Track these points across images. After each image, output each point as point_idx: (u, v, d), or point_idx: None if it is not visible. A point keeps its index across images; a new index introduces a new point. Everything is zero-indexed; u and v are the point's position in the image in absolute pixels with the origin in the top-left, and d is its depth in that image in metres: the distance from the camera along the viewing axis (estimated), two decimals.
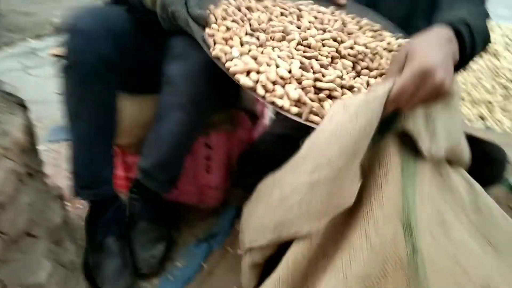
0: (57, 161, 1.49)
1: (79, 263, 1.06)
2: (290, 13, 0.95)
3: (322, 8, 1.01)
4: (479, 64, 2.57)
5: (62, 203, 1.13)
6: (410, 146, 0.69)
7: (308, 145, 0.67)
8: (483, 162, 0.98)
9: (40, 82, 2.16)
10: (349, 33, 0.91)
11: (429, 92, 0.59)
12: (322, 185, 0.64)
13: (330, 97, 0.75)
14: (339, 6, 1.03)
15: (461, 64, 0.71)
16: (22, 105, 0.98)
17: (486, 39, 0.81)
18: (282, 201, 0.70)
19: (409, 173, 0.66)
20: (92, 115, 0.98)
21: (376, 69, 0.83)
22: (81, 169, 1.03)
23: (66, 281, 0.95)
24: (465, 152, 0.79)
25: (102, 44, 0.93)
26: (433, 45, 0.62)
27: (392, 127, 0.67)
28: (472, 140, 0.96)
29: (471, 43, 0.72)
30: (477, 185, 0.79)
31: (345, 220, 0.67)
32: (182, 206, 1.29)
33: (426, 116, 0.69)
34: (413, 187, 0.65)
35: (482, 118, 2.10)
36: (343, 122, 0.62)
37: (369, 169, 0.67)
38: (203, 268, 1.09)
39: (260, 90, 0.72)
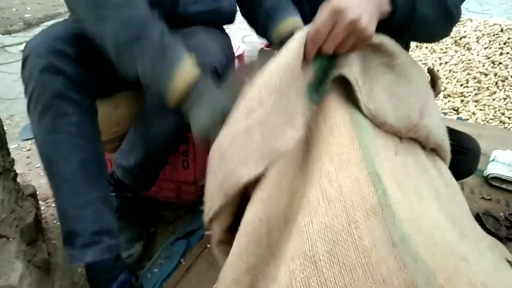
0: (29, 159, 1.45)
1: (53, 263, 1.04)
2: None
3: None
4: (451, 57, 2.62)
5: (35, 201, 1.10)
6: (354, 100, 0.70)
7: (240, 101, 0.68)
8: (458, 153, 1.00)
9: (11, 78, 2.10)
10: None
11: (344, 31, 0.61)
12: (256, 128, 0.64)
13: None
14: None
15: (402, 25, 0.70)
16: None
17: (447, 6, 0.75)
18: (222, 157, 0.68)
19: (360, 124, 0.67)
20: (72, 148, 0.84)
21: None
22: (77, 223, 0.84)
23: (39, 282, 0.93)
24: (445, 141, 0.80)
25: (59, 64, 0.81)
26: None
27: (328, 76, 0.68)
28: (447, 132, 0.98)
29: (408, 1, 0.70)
30: (449, 179, 0.80)
31: (300, 181, 0.66)
32: (160, 203, 1.28)
33: (364, 70, 0.71)
34: (369, 137, 0.66)
35: (456, 110, 2.14)
36: (269, 65, 0.65)
37: (315, 125, 0.68)
38: (181, 265, 1.08)
39: None
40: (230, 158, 0.66)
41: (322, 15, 0.62)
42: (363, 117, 0.69)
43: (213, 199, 0.70)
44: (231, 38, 1.14)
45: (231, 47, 1.10)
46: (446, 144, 0.82)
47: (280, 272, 0.59)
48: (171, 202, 1.29)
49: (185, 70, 0.75)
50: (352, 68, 0.69)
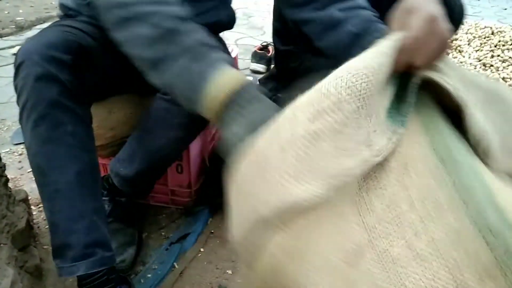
0: (21, 163, 1.44)
1: (45, 269, 1.03)
2: None
3: None
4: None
5: (27, 207, 1.09)
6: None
7: (299, 98, 0.51)
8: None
9: (2, 82, 2.09)
10: None
11: (440, 41, 0.54)
12: (327, 135, 0.47)
13: None
14: None
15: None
16: None
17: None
18: (262, 167, 0.50)
19: (448, 157, 0.50)
20: (67, 159, 0.80)
21: None
22: (70, 236, 0.81)
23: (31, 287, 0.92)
24: None
25: (54, 72, 0.77)
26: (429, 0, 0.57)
27: (410, 96, 0.54)
28: None
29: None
30: None
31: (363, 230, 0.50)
32: (153, 207, 1.27)
33: (463, 83, 0.56)
34: (474, 170, 0.49)
35: None
36: (350, 63, 0.50)
37: (383, 162, 0.51)
38: (175, 269, 1.07)
39: None
40: (279, 168, 0.48)
41: (420, 22, 0.53)
42: (461, 143, 0.52)
43: (240, 225, 0.55)
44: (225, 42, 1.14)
45: (228, 53, 1.10)
46: None
47: None
48: (164, 206, 1.28)
49: (229, 74, 0.61)
50: (450, 78, 0.54)
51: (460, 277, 0.44)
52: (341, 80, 0.47)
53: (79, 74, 0.81)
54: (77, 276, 0.84)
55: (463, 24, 0.81)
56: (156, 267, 1.08)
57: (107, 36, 0.82)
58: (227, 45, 1.14)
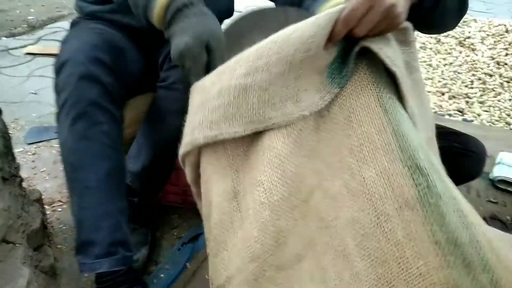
0: (34, 163, 1.45)
1: (59, 268, 1.04)
2: None
3: None
4: (456, 57, 2.61)
5: (41, 206, 1.10)
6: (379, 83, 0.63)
7: (244, 52, 0.63)
8: (463, 155, 0.99)
9: (15, 81, 2.10)
10: None
11: (379, 15, 0.57)
12: (254, 90, 0.60)
13: None
14: None
15: (425, 15, 0.69)
16: None
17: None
18: (204, 103, 0.64)
19: (394, 109, 0.59)
20: (100, 157, 0.84)
21: None
22: (95, 233, 0.84)
23: (46, 287, 0.93)
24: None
25: (97, 72, 0.82)
26: None
27: (349, 61, 0.62)
28: (452, 134, 0.97)
29: None
30: None
31: (314, 173, 0.62)
32: (165, 207, 1.28)
33: (393, 55, 0.64)
34: (407, 126, 0.59)
35: (461, 111, 2.13)
36: (286, 32, 0.59)
37: (328, 113, 0.63)
38: (187, 270, 1.07)
39: None
40: (214, 108, 0.62)
41: None
42: (399, 104, 0.61)
43: (186, 140, 0.67)
44: None
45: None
46: None
47: (309, 267, 0.59)
48: (176, 207, 1.29)
49: None
50: (383, 48, 0.61)
51: (381, 208, 0.55)
52: (274, 45, 0.59)
53: (117, 75, 0.85)
54: (97, 273, 0.86)
55: (462, 15, 0.80)
56: (169, 267, 1.08)
57: (136, 37, 0.89)
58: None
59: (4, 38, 2.77)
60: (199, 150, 0.66)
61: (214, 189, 0.67)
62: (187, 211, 1.28)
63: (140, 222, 1.09)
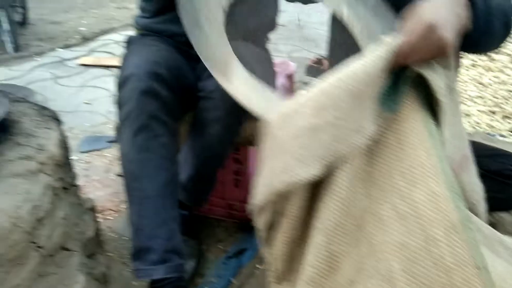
0: (87, 171, 1.51)
1: (110, 276, 1.06)
2: None
3: None
4: (509, 75, 2.51)
5: (94, 215, 1.14)
6: (429, 110, 0.66)
7: (307, 94, 0.65)
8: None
9: (69, 92, 2.20)
10: None
11: (434, 48, 0.61)
12: (326, 128, 0.61)
13: None
14: None
15: (474, 39, 0.70)
16: (56, 118, 1.00)
17: (508, 21, 0.77)
18: (278, 149, 0.65)
19: (434, 135, 0.63)
20: (159, 168, 0.88)
21: None
22: (153, 240, 0.87)
23: None
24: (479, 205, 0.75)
25: (157, 88, 0.87)
26: (440, 5, 0.63)
27: (402, 88, 0.65)
28: (504, 156, 0.92)
29: (486, 15, 0.70)
30: None
31: (366, 197, 0.64)
32: (211, 220, 1.29)
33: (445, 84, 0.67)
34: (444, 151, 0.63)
35: None
36: (351, 68, 0.62)
37: (382, 137, 0.65)
38: (232, 284, 1.08)
39: None
40: (289, 152, 0.63)
41: (415, 29, 0.61)
42: (439, 128, 0.65)
43: (262, 189, 0.68)
44: (278, 55, 1.15)
45: (272, 66, 1.12)
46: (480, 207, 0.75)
47: None
48: (222, 220, 1.30)
49: None
50: (432, 74, 0.65)
51: (429, 231, 0.56)
52: (342, 83, 0.61)
53: (175, 90, 0.90)
54: (151, 280, 0.89)
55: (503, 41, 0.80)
56: (214, 280, 1.09)
57: (184, 49, 0.93)
58: (282, 60, 1.14)
59: (60, 49, 2.91)
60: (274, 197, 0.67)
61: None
62: (232, 224, 1.28)
63: (189, 234, 1.10)
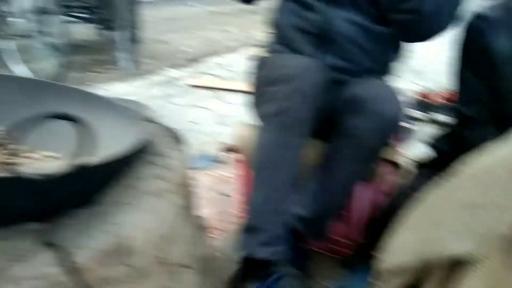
0: (197, 189, 1.58)
1: None
2: None
3: None
4: None
5: (206, 234, 1.19)
6: None
7: (468, 168, 0.64)
8: None
9: (180, 110, 2.35)
10: None
11: None
12: (488, 208, 0.59)
13: None
14: None
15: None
16: (179, 138, 1.07)
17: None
18: (429, 217, 0.65)
19: None
20: (291, 163, 0.96)
21: None
22: (266, 223, 0.97)
23: None
24: None
25: (308, 92, 0.92)
26: None
27: None
28: None
29: None
30: None
31: None
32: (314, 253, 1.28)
33: None
34: None
35: None
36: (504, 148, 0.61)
37: None
38: None
39: None
40: (441, 223, 0.62)
41: None
42: None
43: (397, 254, 0.68)
44: None
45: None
46: None
47: None
48: (320, 253, 1.29)
49: None
50: None
51: None
52: (507, 163, 0.59)
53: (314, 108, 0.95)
54: (245, 257, 1.01)
55: None
56: None
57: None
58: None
59: (169, 69, 3.13)
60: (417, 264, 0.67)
61: None
62: (332, 259, 1.27)
63: (303, 268, 1.11)
